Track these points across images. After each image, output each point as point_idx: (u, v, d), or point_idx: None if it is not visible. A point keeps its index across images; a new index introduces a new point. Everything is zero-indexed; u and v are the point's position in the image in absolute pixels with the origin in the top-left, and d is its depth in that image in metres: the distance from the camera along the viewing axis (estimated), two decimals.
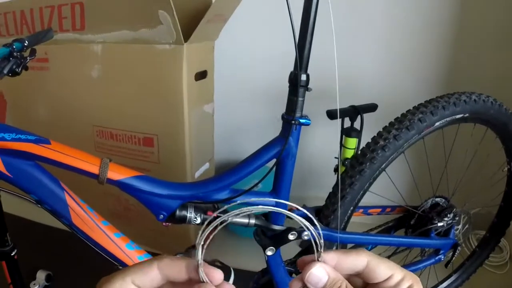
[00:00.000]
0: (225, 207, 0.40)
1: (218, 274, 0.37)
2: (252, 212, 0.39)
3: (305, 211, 0.40)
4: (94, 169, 0.79)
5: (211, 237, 0.38)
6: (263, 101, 2.01)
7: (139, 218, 1.72)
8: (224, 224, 0.38)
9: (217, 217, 0.38)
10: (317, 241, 0.38)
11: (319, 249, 0.38)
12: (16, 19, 1.65)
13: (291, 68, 0.82)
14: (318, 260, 0.38)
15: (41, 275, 1.47)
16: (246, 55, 1.97)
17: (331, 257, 0.38)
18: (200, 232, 0.37)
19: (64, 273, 1.55)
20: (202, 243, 0.37)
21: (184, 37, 1.33)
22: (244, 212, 0.38)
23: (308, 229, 0.39)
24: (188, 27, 1.35)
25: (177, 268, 0.37)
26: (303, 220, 0.39)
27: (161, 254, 0.39)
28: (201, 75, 1.55)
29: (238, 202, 0.38)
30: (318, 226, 0.40)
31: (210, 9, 1.33)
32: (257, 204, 0.39)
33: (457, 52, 1.69)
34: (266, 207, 0.39)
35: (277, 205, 0.89)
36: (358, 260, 0.38)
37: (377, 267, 0.38)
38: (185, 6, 1.42)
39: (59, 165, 0.77)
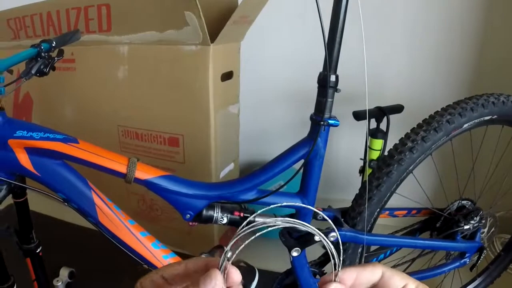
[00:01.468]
0: (256, 213, 0.40)
1: (237, 276, 0.38)
2: (281, 226, 0.39)
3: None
4: (122, 168, 0.79)
5: (243, 245, 0.39)
6: (289, 102, 2.01)
7: (164, 217, 1.73)
8: (256, 235, 0.39)
9: (248, 221, 0.39)
10: (336, 260, 0.39)
11: (337, 268, 0.39)
12: (42, 21, 1.68)
13: (317, 69, 0.82)
14: (335, 280, 0.39)
15: (64, 272, 1.48)
16: (272, 56, 1.97)
17: (350, 274, 0.40)
18: (235, 236, 0.38)
19: (86, 270, 1.56)
20: (232, 242, 0.38)
21: (210, 38, 1.33)
22: (276, 225, 0.38)
23: (328, 248, 0.39)
24: (214, 28, 1.35)
25: (199, 262, 0.40)
26: (331, 248, 0.39)
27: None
28: (227, 76, 1.55)
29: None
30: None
31: (236, 11, 1.33)
32: (286, 206, 0.39)
33: (485, 52, 1.67)
34: (296, 224, 0.39)
35: (303, 207, 0.90)
36: (374, 273, 0.40)
37: (392, 278, 0.40)
38: (211, 8, 1.42)
39: (87, 164, 0.78)
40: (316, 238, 0.88)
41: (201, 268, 0.40)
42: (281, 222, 0.38)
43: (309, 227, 0.40)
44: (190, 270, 0.40)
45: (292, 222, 0.39)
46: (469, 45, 1.68)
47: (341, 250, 0.39)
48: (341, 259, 0.39)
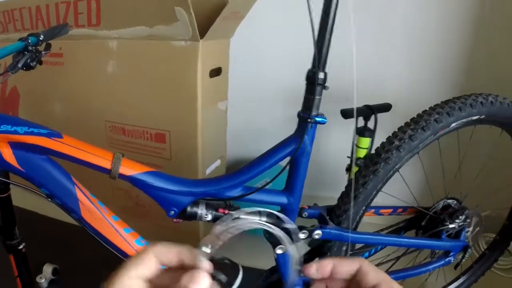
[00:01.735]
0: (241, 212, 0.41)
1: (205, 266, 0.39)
2: (253, 227, 0.40)
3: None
4: (106, 164, 0.78)
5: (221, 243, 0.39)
6: (277, 99, 2.01)
7: (149, 214, 1.73)
8: (232, 235, 0.39)
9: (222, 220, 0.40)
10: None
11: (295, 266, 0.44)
12: (31, 15, 1.66)
13: (306, 66, 0.82)
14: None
15: (47, 269, 1.47)
16: (261, 53, 1.97)
17: (327, 261, 0.43)
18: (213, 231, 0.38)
19: (70, 267, 1.56)
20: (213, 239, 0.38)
21: (200, 34, 1.33)
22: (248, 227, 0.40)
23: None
24: (204, 24, 1.35)
25: (170, 254, 0.41)
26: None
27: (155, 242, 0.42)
28: (216, 72, 1.55)
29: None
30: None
31: (226, 7, 1.33)
32: (268, 202, 0.40)
33: (474, 53, 1.67)
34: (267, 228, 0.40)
35: (289, 204, 0.90)
36: (352, 263, 0.43)
37: (368, 274, 0.42)
38: (201, 3, 1.41)
39: (71, 159, 0.77)
40: (301, 235, 0.89)
41: (173, 259, 0.41)
42: (254, 224, 0.39)
43: (278, 231, 0.41)
44: (162, 262, 0.41)
45: (266, 225, 0.40)
46: (459, 45, 1.68)
47: (300, 253, 0.41)
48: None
